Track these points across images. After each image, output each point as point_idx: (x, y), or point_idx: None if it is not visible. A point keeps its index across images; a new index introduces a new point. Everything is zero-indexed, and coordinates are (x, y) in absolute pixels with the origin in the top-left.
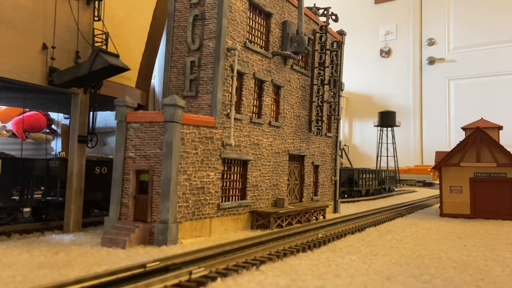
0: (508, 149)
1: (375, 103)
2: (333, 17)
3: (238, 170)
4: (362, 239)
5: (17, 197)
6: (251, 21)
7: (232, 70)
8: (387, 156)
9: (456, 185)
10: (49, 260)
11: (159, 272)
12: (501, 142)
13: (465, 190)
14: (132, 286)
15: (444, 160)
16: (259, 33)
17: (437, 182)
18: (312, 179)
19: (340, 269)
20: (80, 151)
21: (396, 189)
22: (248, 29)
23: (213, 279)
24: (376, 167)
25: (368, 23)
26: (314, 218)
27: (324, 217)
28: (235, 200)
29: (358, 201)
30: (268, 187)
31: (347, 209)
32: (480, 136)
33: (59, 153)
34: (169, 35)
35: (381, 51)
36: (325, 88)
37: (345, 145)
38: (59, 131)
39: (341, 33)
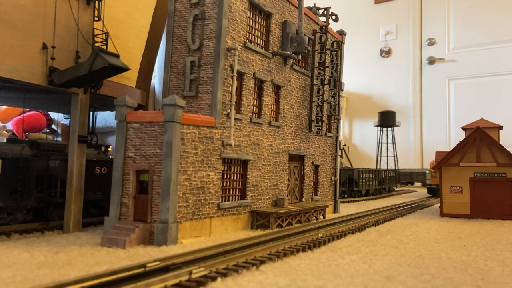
0: (508, 149)
1: (375, 103)
2: (333, 17)
3: (238, 170)
4: (362, 239)
5: (17, 197)
6: (251, 21)
7: (232, 70)
8: (387, 156)
9: (456, 185)
10: (49, 260)
11: (159, 272)
12: (501, 142)
13: (465, 190)
14: (132, 286)
15: (444, 160)
16: (259, 33)
17: None
18: (312, 179)
19: (340, 269)
20: (80, 151)
21: (396, 189)
22: (248, 29)
23: (213, 279)
24: (376, 167)
25: (368, 23)
26: (314, 218)
27: (324, 217)
28: (235, 200)
29: (358, 201)
30: (268, 187)
31: (347, 209)
32: (480, 136)
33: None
34: (169, 35)
35: (381, 51)
36: (325, 88)
37: (345, 145)
38: (59, 131)
39: (341, 33)
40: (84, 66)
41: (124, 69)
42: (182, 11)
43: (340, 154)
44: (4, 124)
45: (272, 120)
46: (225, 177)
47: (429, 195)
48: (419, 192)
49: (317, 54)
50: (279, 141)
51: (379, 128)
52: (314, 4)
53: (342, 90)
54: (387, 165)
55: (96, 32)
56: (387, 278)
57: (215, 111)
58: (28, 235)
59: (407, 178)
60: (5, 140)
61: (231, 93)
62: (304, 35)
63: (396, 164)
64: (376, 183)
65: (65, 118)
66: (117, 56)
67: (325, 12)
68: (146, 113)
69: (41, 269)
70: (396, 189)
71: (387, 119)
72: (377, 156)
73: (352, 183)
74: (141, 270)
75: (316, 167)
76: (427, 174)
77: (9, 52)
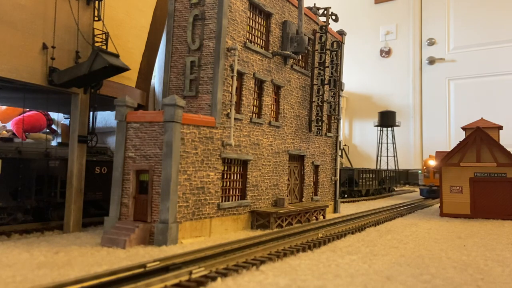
0: (508, 149)
1: (375, 103)
2: (333, 17)
3: (238, 170)
4: (362, 239)
5: (17, 197)
6: (251, 21)
7: (232, 70)
8: (387, 156)
9: (456, 185)
10: (49, 260)
11: (159, 272)
12: (501, 142)
13: (465, 190)
14: (132, 286)
15: (444, 160)
16: (259, 33)
17: None
18: (312, 179)
19: (340, 269)
20: (80, 151)
21: (396, 189)
22: (248, 29)
23: (213, 279)
24: (376, 167)
25: (368, 23)
26: (314, 218)
27: (324, 217)
28: (235, 200)
29: (358, 201)
30: (268, 187)
31: (347, 209)
32: (480, 136)
33: None
34: (169, 35)
35: (381, 51)
36: (325, 88)
37: (345, 145)
38: (59, 131)
39: (341, 33)
40: (84, 66)
41: (124, 69)
42: (182, 11)
43: (340, 154)
44: (4, 124)
45: (272, 120)
46: (225, 177)
47: (422, 197)
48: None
49: (317, 54)
50: (279, 141)
51: (379, 128)
52: (314, 4)
53: (342, 90)
54: (387, 165)
55: (96, 32)
56: (387, 278)
57: (215, 111)
58: (28, 235)
59: (417, 178)
60: (55, 144)
61: (231, 93)
62: (304, 35)
63: (396, 164)
64: (376, 183)
65: (65, 118)
66: (117, 56)
67: (325, 12)
68: (146, 113)
69: (41, 269)
70: (396, 189)
71: (387, 119)
72: (377, 156)
73: (352, 183)
74: (141, 270)
75: (316, 167)
76: (419, 174)
77: (9, 52)
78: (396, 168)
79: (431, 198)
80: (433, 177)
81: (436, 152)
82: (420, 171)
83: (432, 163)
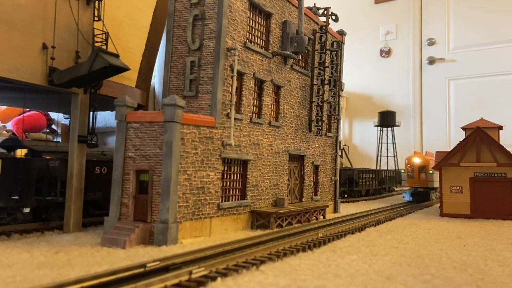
0: (508, 149)
1: (375, 103)
2: (333, 17)
3: (238, 170)
4: (362, 239)
5: (17, 197)
6: (251, 21)
7: (232, 70)
8: (387, 156)
9: (456, 185)
10: (49, 260)
11: (159, 272)
12: (501, 142)
13: (465, 190)
14: (132, 286)
15: (444, 160)
16: (259, 33)
17: None
18: (312, 179)
19: (340, 269)
20: (80, 151)
21: (396, 189)
22: (248, 29)
23: (213, 279)
24: (376, 167)
25: (368, 23)
26: (314, 218)
27: (324, 217)
28: (235, 200)
29: (358, 201)
30: (268, 187)
31: (347, 209)
32: (480, 136)
33: None
34: (169, 35)
35: (381, 51)
36: (325, 88)
37: (345, 145)
38: (59, 131)
39: (341, 33)
40: (84, 66)
41: (124, 69)
42: (182, 11)
43: (340, 154)
44: (4, 124)
45: (272, 120)
46: (225, 177)
47: (406, 201)
48: None
49: (317, 54)
50: (279, 141)
51: (379, 128)
52: (314, 4)
53: (342, 90)
54: (387, 165)
55: (96, 32)
56: (387, 278)
57: (215, 111)
58: (28, 235)
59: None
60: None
61: (231, 93)
62: (304, 35)
63: (396, 164)
64: (376, 183)
65: (65, 118)
66: (117, 56)
67: (325, 12)
68: (146, 113)
69: (41, 269)
70: (396, 189)
71: (387, 119)
72: (377, 156)
73: (352, 183)
74: (141, 270)
75: (316, 167)
76: (402, 174)
77: (9, 52)
78: (396, 168)
79: (416, 202)
80: (418, 177)
81: (436, 152)
82: (403, 171)
83: (417, 160)
